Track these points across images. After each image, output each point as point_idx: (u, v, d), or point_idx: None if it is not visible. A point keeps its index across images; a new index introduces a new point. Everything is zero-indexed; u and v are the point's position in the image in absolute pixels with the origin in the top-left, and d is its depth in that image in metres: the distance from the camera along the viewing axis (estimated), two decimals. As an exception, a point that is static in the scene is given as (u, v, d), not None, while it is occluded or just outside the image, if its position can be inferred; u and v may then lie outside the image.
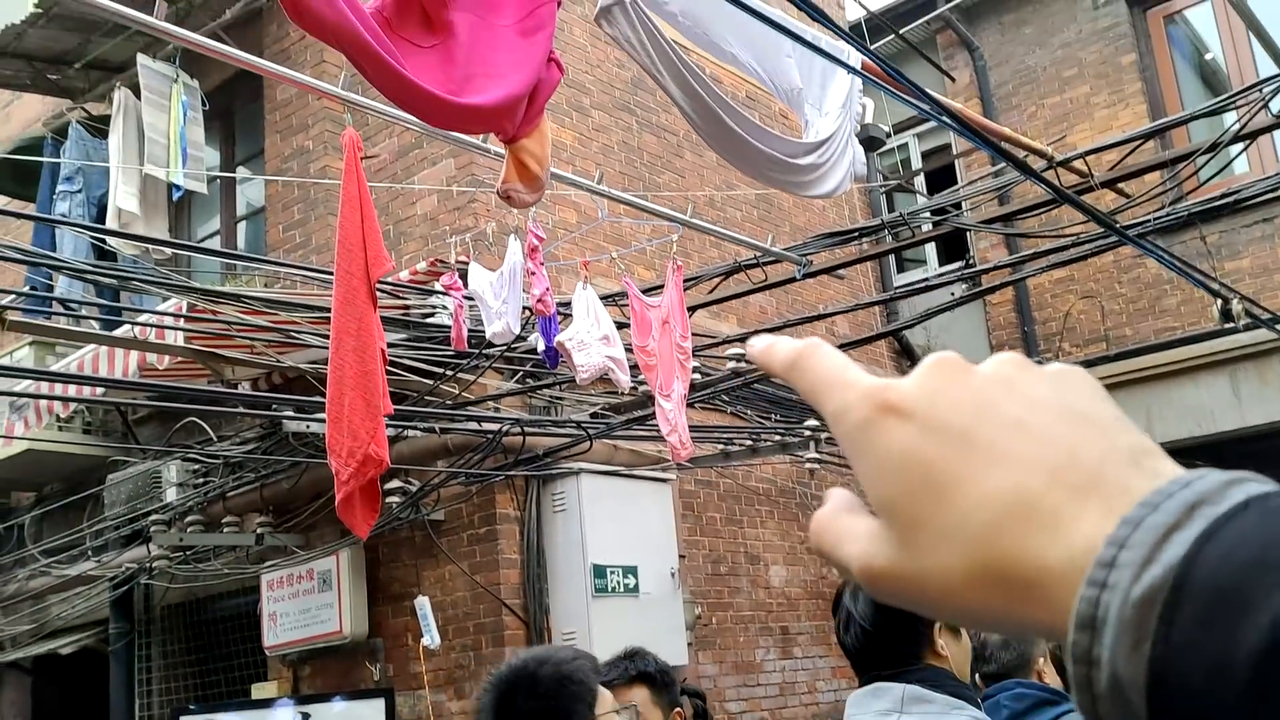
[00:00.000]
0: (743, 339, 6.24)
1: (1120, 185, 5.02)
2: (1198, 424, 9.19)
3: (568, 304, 4.76)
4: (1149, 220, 4.49)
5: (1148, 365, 9.39)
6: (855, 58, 3.48)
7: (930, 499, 0.41)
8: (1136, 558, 0.36)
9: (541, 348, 4.52)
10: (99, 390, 5.96)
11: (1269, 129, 4.25)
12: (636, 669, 2.71)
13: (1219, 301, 4.88)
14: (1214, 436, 9.12)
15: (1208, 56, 10.32)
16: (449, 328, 5.59)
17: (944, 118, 3.13)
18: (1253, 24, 3.71)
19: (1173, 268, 4.72)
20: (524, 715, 1.92)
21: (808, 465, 6.76)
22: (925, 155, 10.99)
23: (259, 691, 6.68)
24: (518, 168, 2.92)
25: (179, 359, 5.51)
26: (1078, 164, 4.80)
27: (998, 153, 3.38)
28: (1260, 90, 4.32)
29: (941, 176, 10.85)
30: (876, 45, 9.80)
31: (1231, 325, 4.87)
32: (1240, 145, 4.44)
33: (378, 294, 3.56)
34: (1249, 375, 8.88)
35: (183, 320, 5.29)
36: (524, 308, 4.72)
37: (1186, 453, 9.49)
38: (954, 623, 1.88)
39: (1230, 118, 4.57)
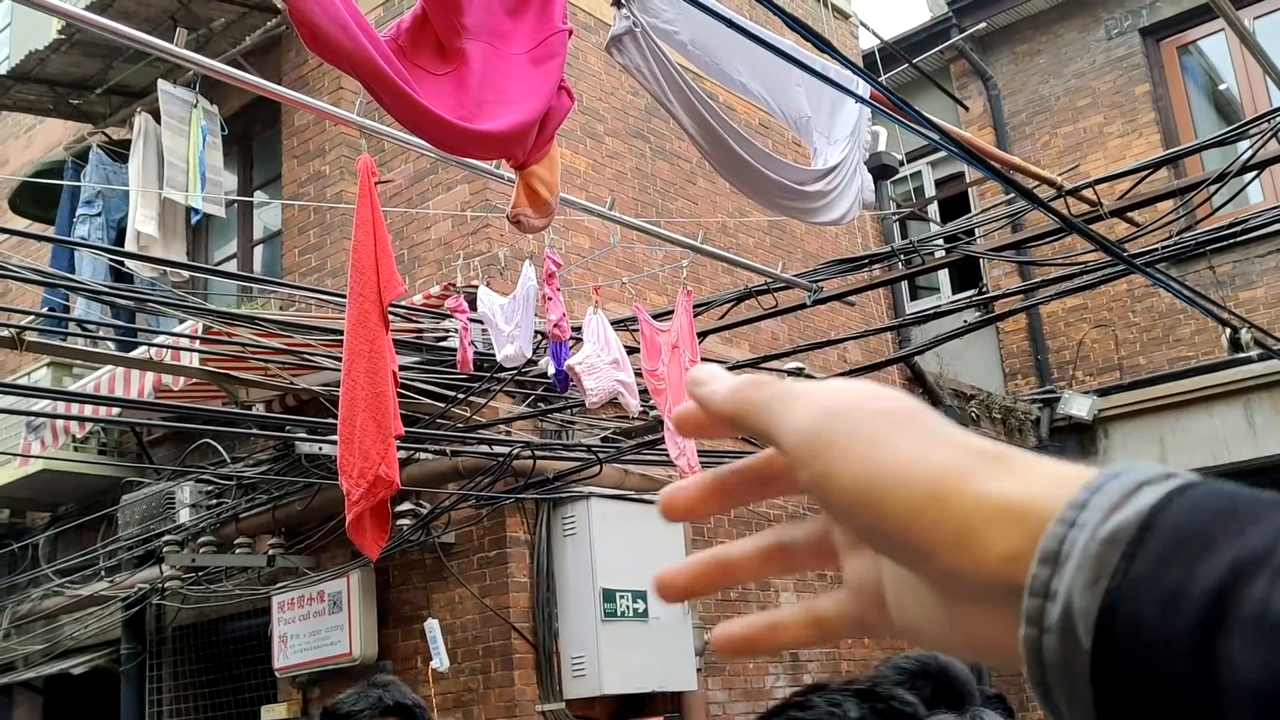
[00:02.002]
0: (754, 364, 6.26)
1: (1131, 214, 5.04)
2: (1212, 454, 9.15)
3: (578, 328, 4.80)
4: (1157, 249, 4.50)
5: (1161, 394, 9.36)
6: (863, 87, 3.52)
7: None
8: (1107, 502, 0.37)
9: (552, 371, 4.56)
10: (115, 411, 6.02)
11: (1277, 159, 4.27)
12: (392, 699, 2.57)
13: (1228, 331, 4.88)
14: (1229, 466, 9.07)
15: (1221, 87, 10.34)
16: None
17: (950, 146, 3.16)
18: (1260, 55, 3.74)
19: (1181, 296, 4.72)
20: None
21: (818, 491, 6.75)
22: (938, 183, 11.03)
23: (269, 713, 6.69)
24: (528, 193, 2.97)
25: (194, 380, 5.56)
26: (1087, 193, 4.82)
27: (1005, 182, 3.41)
28: (1270, 120, 4.34)
29: (955, 204, 10.88)
30: (891, 74, 9.87)
31: (1243, 355, 4.86)
32: (1251, 174, 4.45)
33: (390, 317, 3.60)
34: (1263, 405, 8.84)
35: (198, 342, 5.35)
36: (535, 332, 4.76)
37: (1201, 483, 9.43)
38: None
39: (1243, 146, 4.58)
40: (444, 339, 5.70)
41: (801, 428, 0.44)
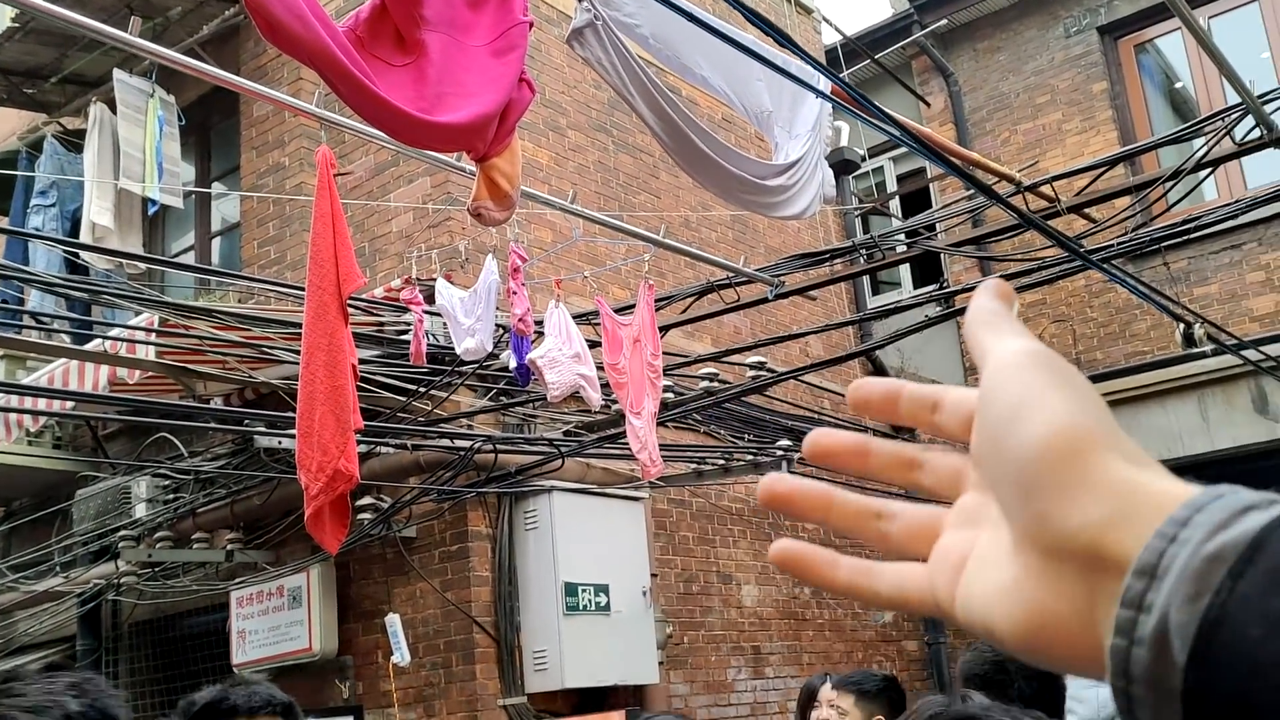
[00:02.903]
0: (715, 358, 6.28)
1: (1089, 211, 5.09)
2: (1167, 447, 9.28)
3: (540, 322, 4.79)
4: (1114, 246, 4.56)
5: (1118, 389, 9.48)
6: (824, 83, 3.53)
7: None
8: (1211, 520, 0.37)
9: (513, 365, 4.54)
10: (69, 405, 5.93)
11: (1231, 157, 4.33)
12: (268, 694, 2.43)
13: (1181, 326, 4.95)
14: (1183, 460, 9.20)
15: (1178, 85, 10.47)
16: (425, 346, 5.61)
17: (912, 142, 3.18)
18: (1215, 54, 3.79)
19: (1136, 292, 4.78)
20: None
21: (780, 485, 6.78)
22: (900, 179, 11.10)
23: (227, 709, 6.63)
24: (488, 186, 2.95)
25: (150, 374, 5.49)
26: (1045, 189, 4.87)
27: (965, 178, 3.44)
28: (1224, 119, 4.40)
29: (916, 200, 10.96)
30: (853, 69, 9.91)
31: (1197, 350, 4.93)
32: (1205, 172, 4.52)
33: (350, 310, 3.58)
34: (1216, 400, 8.98)
35: (155, 335, 5.28)
36: (496, 325, 4.74)
37: (1156, 476, 9.57)
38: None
39: (1198, 144, 4.65)
40: (405, 332, 5.66)
41: (1008, 348, 0.46)
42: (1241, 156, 4.32)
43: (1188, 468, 9.41)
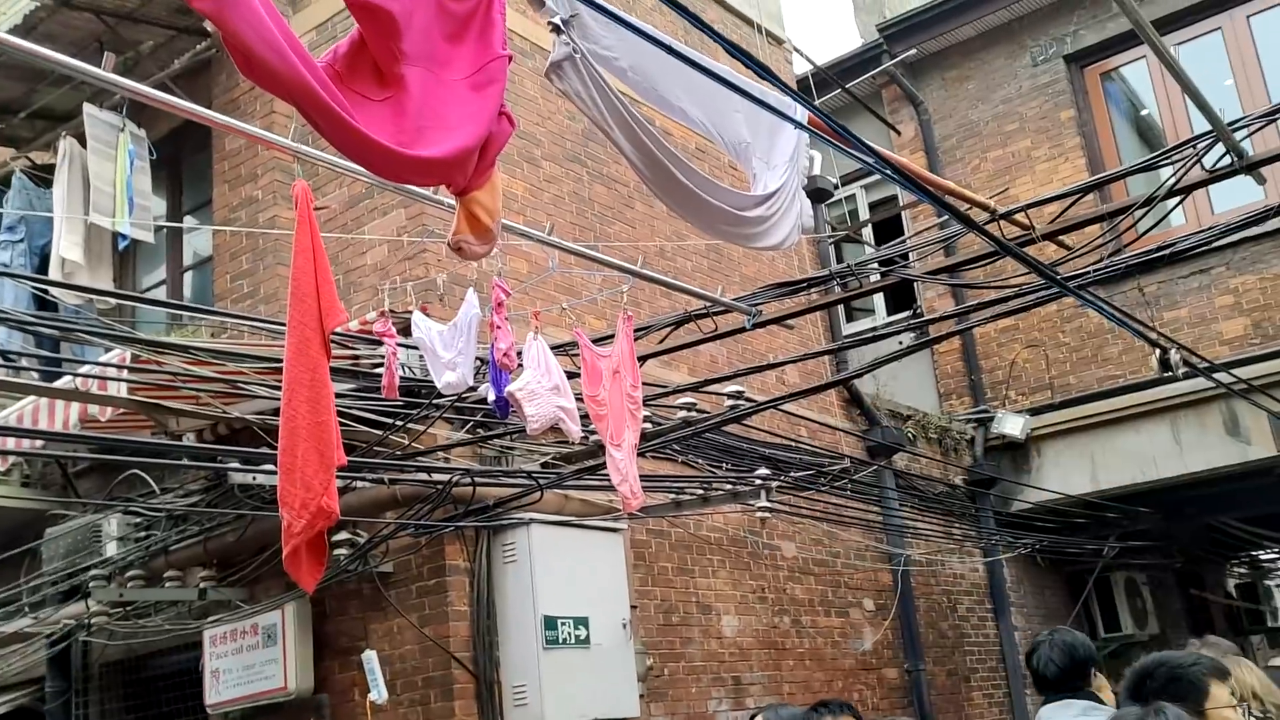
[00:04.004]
0: (694, 388, 6.27)
1: (1061, 237, 5.13)
2: (1140, 470, 9.35)
3: (519, 354, 4.76)
4: (1088, 272, 4.59)
5: (1091, 413, 9.55)
6: (801, 113, 3.54)
7: None
8: None
9: (492, 398, 4.51)
10: (38, 443, 5.84)
11: (1201, 184, 4.37)
12: None
13: (1157, 351, 4.99)
14: (1157, 483, 9.28)
15: (1144, 112, 10.62)
16: (399, 379, 5.57)
17: (889, 172, 3.19)
18: (1183, 82, 3.83)
19: (1111, 318, 4.82)
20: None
21: (759, 514, 6.77)
22: (873, 206, 11.18)
23: (201, 751, 6.51)
24: (469, 220, 2.93)
25: (122, 410, 5.42)
26: (1019, 216, 4.90)
27: (942, 206, 3.45)
28: (1195, 146, 4.44)
29: (889, 227, 11.03)
30: (823, 99, 9.99)
31: (1170, 374, 4.97)
32: (1176, 199, 4.56)
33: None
34: (1189, 422, 9.05)
35: (126, 371, 5.21)
36: (475, 358, 4.71)
37: (1130, 498, 9.64)
38: None
39: (1167, 172, 4.70)
40: (380, 365, 5.62)
41: None
42: (1212, 184, 4.36)
43: (1162, 490, 9.48)
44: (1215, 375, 6.77)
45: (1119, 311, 4.99)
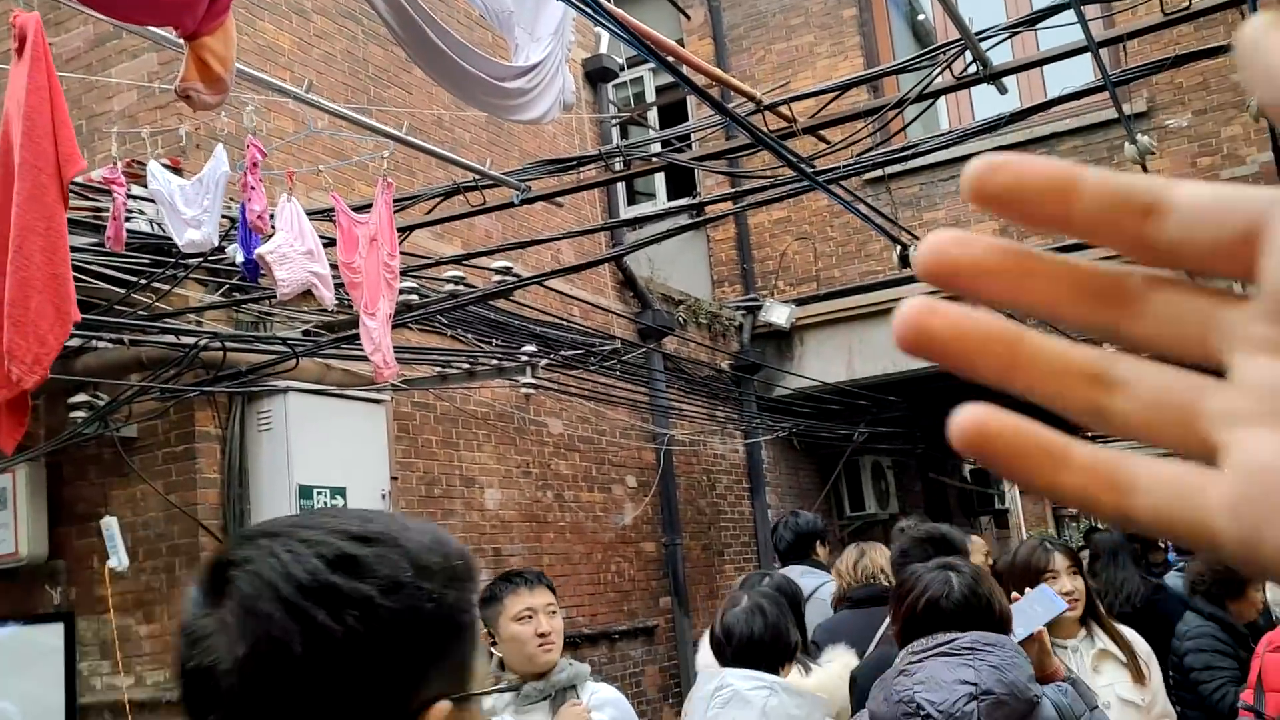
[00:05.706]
0: (460, 260, 6.21)
1: (824, 133, 5.30)
2: (892, 362, 9.93)
3: (272, 216, 4.58)
4: (839, 168, 4.77)
5: (850, 305, 10.04)
6: (564, -16, 3.48)
7: None
8: None
9: (240, 260, 4.34)
10: None
11: (949, 90, 4.59)
12: None
13: (898, 247, 5.26)
14: (905, 373, 9.86)
15: (920, 17, 10.98)
16: (144, 234, 5.28)
17: (642, 47, 3.20)
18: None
19: (855, 212, 5.04)
20: None
21: (524, 390, 6.84)
22: (659, 90, 11.19)
23: (-77, 618, 6.18)
24: (198, 66, 2.78)
25: None
26: (784, 110, 5.02)
27: (697, 92, 3.49)
28: (945, 53, 4.65)
29: (675, 111, 11.10)
30: (615, -24, 9.84)
31: (910, 272, 5.26)
32: (926, 103, 4.77)
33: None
34: (936, 318, 9.62)
35: None
36: (222, 217, 4.51)
37: (881, 388, 10.25)
38: None
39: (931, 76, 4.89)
40: (127, 219, 5.30)
41: None
42: (958, 90, 4.59)
43: (909, 381, 10.12)
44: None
45: (868, 207, 5.23)
